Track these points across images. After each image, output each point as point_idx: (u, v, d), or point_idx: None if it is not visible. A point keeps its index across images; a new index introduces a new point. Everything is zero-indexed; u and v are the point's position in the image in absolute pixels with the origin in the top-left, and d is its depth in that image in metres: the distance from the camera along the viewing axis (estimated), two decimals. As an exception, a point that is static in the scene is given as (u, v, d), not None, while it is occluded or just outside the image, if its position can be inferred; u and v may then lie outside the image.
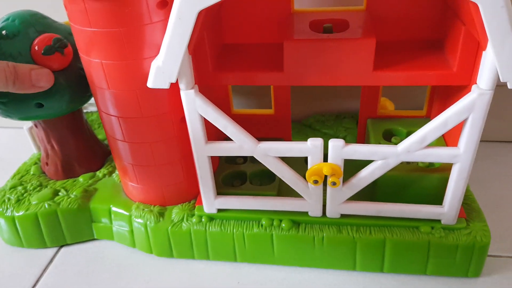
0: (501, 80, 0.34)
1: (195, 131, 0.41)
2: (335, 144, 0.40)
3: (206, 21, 0.41)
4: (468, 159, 0.39)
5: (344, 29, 0.42)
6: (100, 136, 0.61)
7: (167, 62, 0.36)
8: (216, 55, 0.45)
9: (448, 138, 0.45)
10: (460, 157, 0.39)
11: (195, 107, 0.40)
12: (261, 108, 0.55)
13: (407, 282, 0.45)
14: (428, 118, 0.51)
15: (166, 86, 0.37)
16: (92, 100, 0.57)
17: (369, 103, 0.51)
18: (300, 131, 0.58)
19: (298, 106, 0.61)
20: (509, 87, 0.34)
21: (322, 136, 0.57)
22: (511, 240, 0.49)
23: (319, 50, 0.40)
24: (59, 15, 0.49)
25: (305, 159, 0.43)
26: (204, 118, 0.41)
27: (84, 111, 0.67)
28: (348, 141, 0.42)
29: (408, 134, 0.48)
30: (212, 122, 0.41)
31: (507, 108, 0.61)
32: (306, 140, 0.41)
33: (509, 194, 0.55)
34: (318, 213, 0.45)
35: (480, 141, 0.37)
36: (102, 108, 0.45)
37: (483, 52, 0.34)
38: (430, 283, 0.45)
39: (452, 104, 0.37)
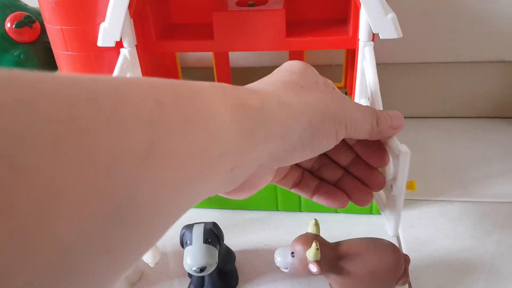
0: (373, 32, 0.43)
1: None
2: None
3: (149, -3, 0.50)
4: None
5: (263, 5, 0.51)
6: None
7: (112, 23, 0.45)
8: (161, 29, 0.54)
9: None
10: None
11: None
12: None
13: (322, 219, 0.52)
14: (345, 88, 0.60)
15: (112, 44, 0.46)
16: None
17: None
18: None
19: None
20: (381, 37, 0.43)
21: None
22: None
23: (241, 20, 0.49)
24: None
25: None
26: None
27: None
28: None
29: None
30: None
31: (419, 85, 0.70)
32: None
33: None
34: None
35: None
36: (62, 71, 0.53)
37: (360, 11, 0.43)
38: (339, 217, 0.52)
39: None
